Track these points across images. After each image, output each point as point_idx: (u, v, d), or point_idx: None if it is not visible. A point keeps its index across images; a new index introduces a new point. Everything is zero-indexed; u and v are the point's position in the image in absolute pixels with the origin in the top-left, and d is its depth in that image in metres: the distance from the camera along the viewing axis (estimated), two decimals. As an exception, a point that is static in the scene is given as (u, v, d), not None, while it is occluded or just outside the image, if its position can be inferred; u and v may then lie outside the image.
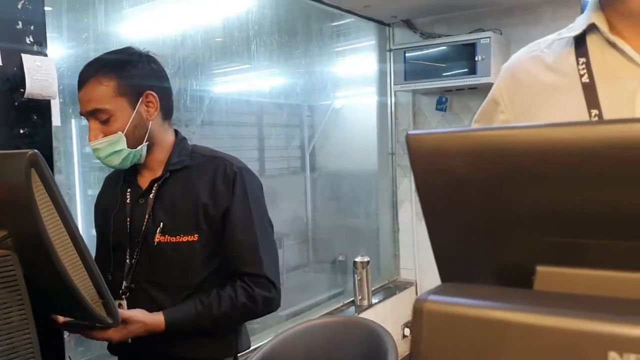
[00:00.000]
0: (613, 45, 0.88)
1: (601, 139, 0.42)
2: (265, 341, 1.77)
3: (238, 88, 2.67)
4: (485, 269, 0.49)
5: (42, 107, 1.37)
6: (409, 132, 0.49)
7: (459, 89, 3.01)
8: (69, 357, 1.47)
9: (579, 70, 0.90)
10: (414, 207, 3.34)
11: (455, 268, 0.51)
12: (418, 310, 0.40)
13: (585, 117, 0.88)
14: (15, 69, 1.30)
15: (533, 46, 1.00)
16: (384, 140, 3.37)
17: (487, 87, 2.86)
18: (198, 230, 1.35)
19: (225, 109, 2.54)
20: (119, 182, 1.46)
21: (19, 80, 1.31)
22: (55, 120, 1.46)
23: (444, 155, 0.48)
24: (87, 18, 1.95)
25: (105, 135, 1.32)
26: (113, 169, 1.50)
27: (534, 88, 0.95)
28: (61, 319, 1.20)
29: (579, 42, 0.92)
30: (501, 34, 2.88)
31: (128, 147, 1.35)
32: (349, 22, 3.12)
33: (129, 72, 1.35)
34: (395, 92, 3.26)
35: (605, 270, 0.44)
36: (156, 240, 1.35)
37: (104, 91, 1.31)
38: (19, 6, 1.33)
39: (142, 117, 1.36)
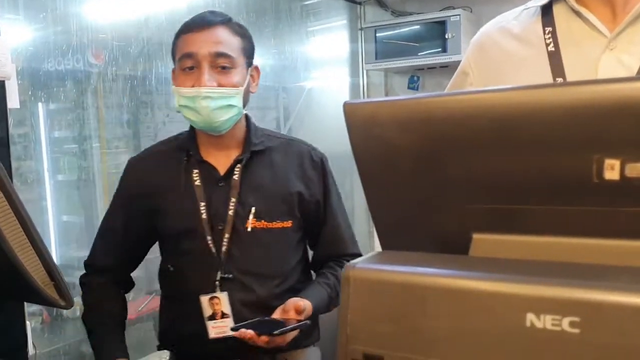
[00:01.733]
0: (578, 14, 0.89)
1: (529, 104, 0.42)
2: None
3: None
4: (423, 237, 0.49)
5: (-5, 88, 1.34)
6: (346, 102, 0.48)
7: (431, 67, 3.01)
8: (34, 344, 1.45)
9: (545, 39, 0.91)
10: (387, 186, 3.35)
11: (395, 237, 0.50)
12: (345, 278, 0.40)
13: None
14: (-34, 49, 1.27)
15: (500, 18, 1.01)
16: (357, 120, 3.37)
17: (458, 65, 2.86)
18: (291, 216, 1.31)
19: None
20: (179, 162, 1.32)
21: (-29, 61, 1.27)
22: (13, 102, 1.43)
23: (379, 124, 0.48)
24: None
25: (222, 85, 1.24)
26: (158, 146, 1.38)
27: (501, 58, 0.97)
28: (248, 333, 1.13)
29: (546, 12, 0.93)
30: (471, 11, 2.87)
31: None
32: (320, 1, 3.09)
33: (248, 38, 1.32)
34: (367, 71, 3.25)
35: (539, 236, 0.45)
36: (250, 225, 1.28)
37: (233, 41, 1.27)
38: (-31, -17, 1.28)
39: (248, 87, 1.31)
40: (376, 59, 2.98)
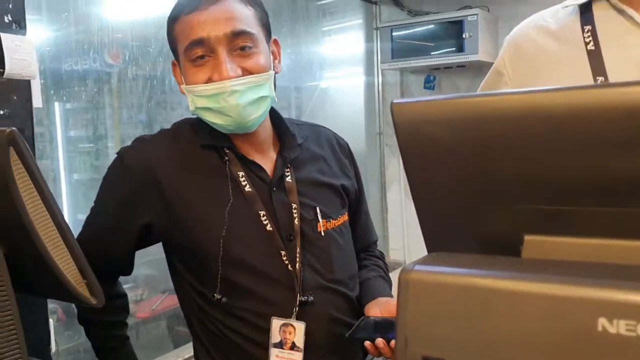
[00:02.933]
0: (620, 11, 0.88)
1: (586, 104, 0.41)
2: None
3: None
4: (472, 238, 0.49)
5: (22, 87, 1.34)
6: (394, 101, 0.48)
7: (447, 67, 2.99)
8: (56, 340, 1.44)
9: (584, 37, 0.90)
10: (402, 187, 3.33)
11: (441, 238, 0.50)
12: (403, 281, 0.40)
13: (590, 84, 0.88)
14: (-7, 48, 1.28)
15: (537, 17, 1.00)
16: (371, 120, 3.36)
17: (475, 65, 2.85)
18: (344, 207, 1.14)
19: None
20: (220, 165, 1.05)
21: (-1, 59, 1.28)
22: (37, 101, 1.44)
23: (428, 124, 0.47)
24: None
25: (248, 72, 0.98)
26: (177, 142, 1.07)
27: (538, 57, 0.96)
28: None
29: (584, 10, 0.92)
30: (489, 10, 2.86)
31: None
32: (335, 1, 3.08)
33: (261, 5, 1.05)
34: (382, 71, 3.24)
35: (594, 238, 0.44)
36: (322, 228, 1.07)
37: (248, 12, 0.99)
38: (-4, -17, 1.29)
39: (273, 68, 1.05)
40: (392, 58, 2.96)
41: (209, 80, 0.98)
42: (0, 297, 0.78)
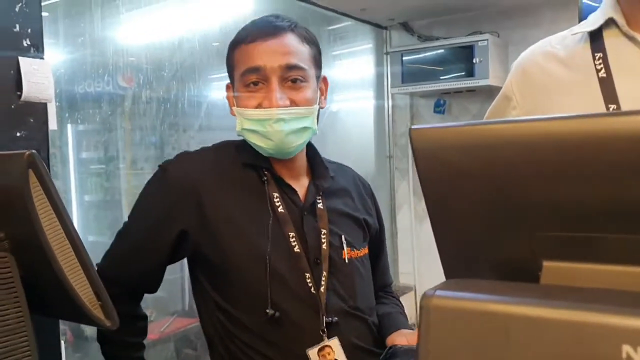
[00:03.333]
0: (631, 39, 0.88)
1: (604, 131, 0.41)
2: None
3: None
4: (490, 264, 0.49)
5: (38, 110, 1.37)
6: (412, 127, 0.48)
7: (457, 92, 3.02)
8: (67, 362, 1.44)
9: (595, 65, 0.90)
10: (412, 210, 3.33)
11: (459, 264, 0.50)
12: (425, 307, 0.40)
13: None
14: (12, 72, 1.30)
15: (544, 43, 1.01)
16: (381, 143, 3.37)
17: (486, 89, 2.87)
18: (365, 242, 1.19)
19: (224, 113, 2.53)
20: (258, 185, 1.10)
21: (16, 83, 1.30)
22: (52, 124, 1.46)
23: (447, 150, 0.47)
24: (83, 23, 1.94)
25: (295, 103, 1.06)
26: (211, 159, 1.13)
27: (546, 83, 0.96)
28: None
29: (595, 38, 0.92)
30: (499, 36, 2.88)
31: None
32: (346, 26, 3.12)
33: (317, 45, 1.14)
34: (392, 94, 3.26)
35: (612, 265, 0.44)
36: (346, 256, 1.11)
37: (303, 50, 1.08)
38: (17, 9, 1.32)
39: (319, 103, 1.13)
40: (402, 82, 2.99)
41: (259, 106, 1.06)
42: (16, 318, 0.78)
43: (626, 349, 0.33)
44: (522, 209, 0.46)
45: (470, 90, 2.98)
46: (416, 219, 3.31)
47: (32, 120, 1.35)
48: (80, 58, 1.98)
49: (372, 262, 1.23)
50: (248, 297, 1.06)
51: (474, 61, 2.77)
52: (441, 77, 2.92)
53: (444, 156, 0.47)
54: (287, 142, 1.07)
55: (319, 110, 1.14)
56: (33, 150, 0.75)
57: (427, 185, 0.48)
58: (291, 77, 1.06)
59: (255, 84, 1.07)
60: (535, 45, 1.06)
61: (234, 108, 1.13)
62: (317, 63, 1.13)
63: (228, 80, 1.18)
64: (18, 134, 1.32)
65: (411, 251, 3.34)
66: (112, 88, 2.11)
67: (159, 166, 1.14)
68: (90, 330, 1.99)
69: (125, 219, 1.16)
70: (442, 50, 2.93)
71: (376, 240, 1.26)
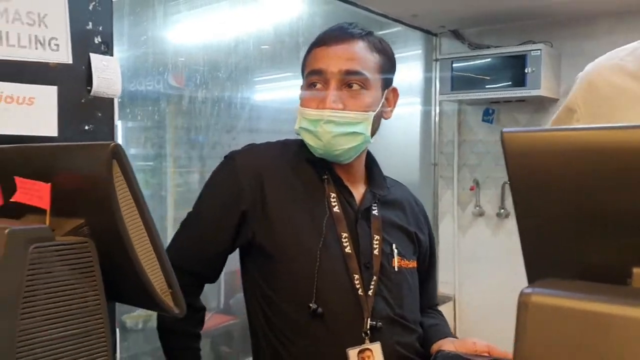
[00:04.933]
0: None
1: None
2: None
3: (286, 95, 2.70)
4: (577, 268, 0.49)
5: (106, 105, 1.42)
6: (504, 130, 0.49)
7: (507, 101, 2.98)
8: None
9: None
10: (455, 220, 3.30)
11: (545, 266, 0.51)
12: (523, 303, 0.41)
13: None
14: (83, 67, 1.36)
15: (611, 55, 1.00)
16: (426, 150, 3.36)
17: (536, 99, 2.84)
18: (415, 256, 1.21)
19: (267, 116, 2.56)
20: (318, 182, 1.13)
21: (86, 78, 1.36)
22: (115, 119, 1.51)
23: (540, 154, 0.48)
24: (146, 21, 2.00)
25: (348, 108, 1.09)
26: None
27: (614, 95, 0.95)
28: None
29: None
30: (552, 46, 2.84)
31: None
32: (396, 31, 3.13)
33: (389, 56, 1.17)
34: (440, 102, 3.25)
35: None
36: (396, 264, 1.13)
37: (370, 58, 1.11)
38: (90, 7, 1.38)
39: (380, 112, 1.17)
40: (452, 90, 2.97)
41: (316, 107, 1.11)
42: (94, 301, 0.82)
43: None
44: (612, 215, 0.46)
45: (520, 100, 2.95)
46: (459, 229, 3.28)
47: (100, 115, 1.40)
48: (142, 55, 2.04)
49: (421, 280, 1.25)
50: (294, 289, 1.09)
51: (526, 71, 2.73)
52: (491, 86, 2.89)
53: (536, 160, 0.48)
54: (334, 144, 1.09)
55: (379, 120, 1.17)
56: (117, 142, 0.79)
57: (517, 188, 0.49)
58: (350, 82, 1.09)
59: (316, 85, 1.12)
60: (602, 58, 1.05)
61: (299, 107, 1.18)
62: (385, 73, 1.16)
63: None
64: (86, 127, 1.37)
65: (452, 260, 3.32)
66: (162, 87, 2.17)
67: (226, 156, 1.20)
68: (130, 322, 2.05)
69: (170, 214, 1.21)
70: (492, 59, 2.90)
71: (426, 259, 1.28)
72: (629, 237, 0.46)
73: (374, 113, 1.13)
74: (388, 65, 1.17)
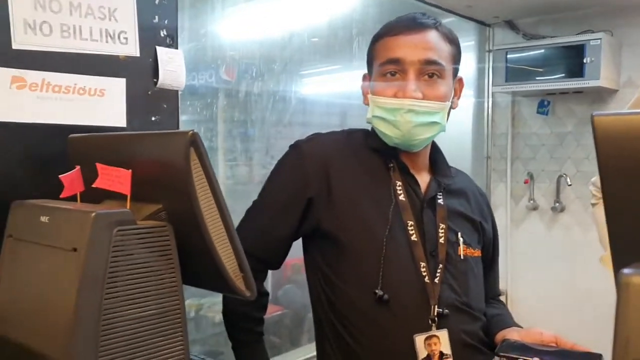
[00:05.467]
0: None
1: None
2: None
3: (336, 88, 2.71)
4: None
5: (171, 97, 1.46)
6: (595, 113, 0.49)
7: (563, 92, 2.91)
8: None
9: None
10: (508, 213, 3.25)
11: (633, 251, 0.50)
12: (624, 284, 0.41)
13: None
14: (150, 60, 1.40)
15: None
16: (479, 143, 3.31)
17: (595, 90, 2.76)
18: (480, 245, 1.20)
19: (313, 109, 2.57)
20: (384, 170, 1.14)
21: (153, 70, 1.41)
22: (179, 111, 1.55)
23: (632, 137, 0.48)
24: (205, 14, 2.05)
25: (427, 97, 1.09)
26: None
27: None
28: None
29: None
30: (612, 35, 2.75)
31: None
32: (449, 22, 3.09)
33: (458, 46, 1.18)
34: (493, 93, 3.20)
35: None
36: (462, 253, 1.13)
37: (444, 48, 1.12)
38: (156, 2, 1.42)
39: (452, 102, 1.17)
40: (506, 81, 2.92)
41: (394, 96, 1.10)
42: (171, 283, 0.85)
43: None
44: None
45: (577, 92, 2.87)
46: (512, 223, 3.23)
47: (165, 106, 1.45)
48: (201, 49, 2.09)
49: (484, 269, 1.24)
50: (360, 275, 1.10)
51: (585, 61, 2.66)
52: (546, 77, 2.83)
53: (627, 143, 0.47)
54: (413, 134, 1.10)
55: (450, 110, 1.17)
56: (195, 130, 0.82)
57: (607, 172, 0.49)
58: (428, 71, 1.10)
59: (393, 74, 1.11)
60: None
61: (369, 96, 1.17)
62: (456, 62, 1.17)
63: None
64: (153, 119, 1.42)
65: (505, 254, 3.27)
66: (215, 81, 2.21)
67: (291, 145, 1.22)
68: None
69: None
70: (548, 50, 2.83)
71: (490, 248, 1.28)
72: None
73: (449, 103, 1.14)
74: (458, 56, 1.18)
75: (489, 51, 3.19)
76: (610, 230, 0.50)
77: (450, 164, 1.34)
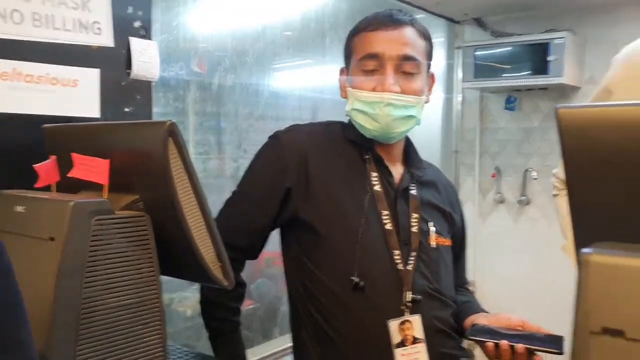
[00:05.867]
0: None
1: None
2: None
3: (309, 83, 2.72)
4: (628, 237, 0.52)
5: (144, 88, 1.46)
6: (558, 106, 0.52)
7: (529, 89, 2.99)
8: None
9: None
10: (476, 206, 3.32)
11: (595, 233, 0.53)
12: (584, 261, 0.44)
13: None
14: (123, 51, 1.39)
15: None
16: (448, 138, 3.37)
17: (559, 87, 2.84)
18: (450, 235, 1.25)
19: (284, 103, 2.58)
20: (360, 162, 1.18)
21: (126, 61, 1.40)
22: (152, 102, 1.55)
23: (594, 128, 0.51)
24: (177, 6, 2.04)
25: (405, 92, 1.13)
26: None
27: None
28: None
29: None
30: (575, 34, 2.83)
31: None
32: (419, 18, 3.13)
33: (431, 42, 1.23)
34: (462, 89, 3.26)
35: None
36: (434, 242, 1.18)
37: (420, 44, 1.17)
38: (130, -8, 1.41)
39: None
40: (474, 77, 2.98)
41: (373, 90, 1.14)
42: (149, 274, 0.86)
43: None
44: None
45: (543, 89, 2.95)
46: (480, 216, 3.30)
47: (138, 97, 1.44)
48: (173, 41, 2.07)
49: (453, 258, 1.29)
50: (336, 263, 1.13)
51: (549, 59, 2.73)
52: (513, 74, 2.89)
53: (590, 134, 0.51)
54: (392, 127, 1.14)
55: (423, 105, 1.21)
56: (172, 120, 0.83)
57: (571, 160, 0.52)
58: (405, 67, 1.14)
59: (372, 69, 1.15)
60: (637, 42, 1.07)
61: (348, 89, 1.20)
62: (430, 58, 1.22)
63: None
64: (126, 110, 1.42)
65: (473, 246, 3.33)
66: (185, 73, 2.20)
67: (270, 136, 1.24)
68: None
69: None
70: (515, 47, 2.90)
71: (459, 239, 1.32)
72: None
73: (425, 97, 1.19)
74: (431, 52, 1.23)
75: (458, 48, 3.24)
76: (573, 218, 0.54)
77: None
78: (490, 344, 1.05)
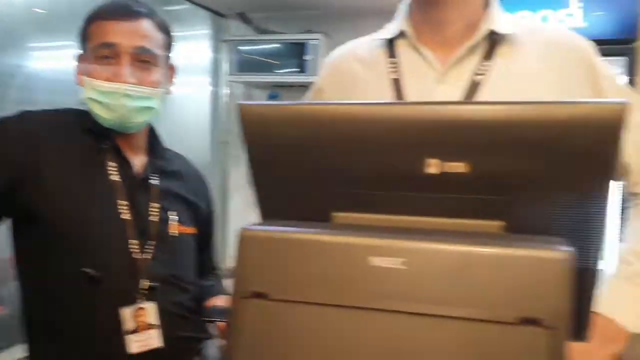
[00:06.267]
0: (417, 50, 1.07)
1: (374, 116, 0.58)
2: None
3: (66, 65, 2.54)
4: (296, 214, 0.62)
5: None
6: (241, 102, 0.60)
7: (291, 86, 3.19)
8: None
9: (389, 68, 1.08)
10: (245, 196, 3.45)
11: (273, 213, 0.63)
12: (241, 236, 0.52)
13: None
14: None
15: (352, 44, 1.17)
16: (217, 129, 3.44)
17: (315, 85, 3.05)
18: (194, 224, 1.28)
19: (47, 87, 2.40)
20: (95, 151, 1.16)
21: None
22: None
23: (269, 123, 0.60)
24: None
25: (143, 83, 1.14)
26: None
27: (350, 80, 1.12)
28: None
29: (390, 45, 1.10)
30: (328, 37, 3.10)
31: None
32: (183, 9, 3.13)
33: (170, 35, 1.25)
34: (229, 83, 3.34)
35: (381, 215, 0.60)
36: (175, 230, 1.21)
37: (158, 36, 1.19)
38: None
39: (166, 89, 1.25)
40: (239, 71, 3.08)
41: (108, 79, 1.14)
42: None
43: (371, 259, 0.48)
44: (318, 171, 0.60)
45: (302, 86, 3.17)
46: (248, 205, 3.43)
47: None
48: None
49: (201, 245, 1.35)
50: (70, 256, 1.11)
51: (305, 58, 2.95)
52: (276, 71, 3.06)
53: (267, 127, 0.59)
54: (129, 117, 1.15)
55: (165, 96, 1.25)
56: None
57: (251, 151, 0.60)
58: (142, 58, 1.16)
59: (107, 58, 1.15)
60: (345, 45, 1.22)
61: (84, 78, 1.18)
62: (168, 51, 1.25)
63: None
64: None
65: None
66: None
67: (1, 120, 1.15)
68: None
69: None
70: (278, 45, 3.07)
71: (206, 226, 1.39)
72: (328, 188, 0.60)
73: (163, 89, 1.22)
74: (170, 45, 1.26)
75: (224, 41, 3.32)
76: (257, 197, 0.62)
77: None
78: (222, 323, 1.13)
